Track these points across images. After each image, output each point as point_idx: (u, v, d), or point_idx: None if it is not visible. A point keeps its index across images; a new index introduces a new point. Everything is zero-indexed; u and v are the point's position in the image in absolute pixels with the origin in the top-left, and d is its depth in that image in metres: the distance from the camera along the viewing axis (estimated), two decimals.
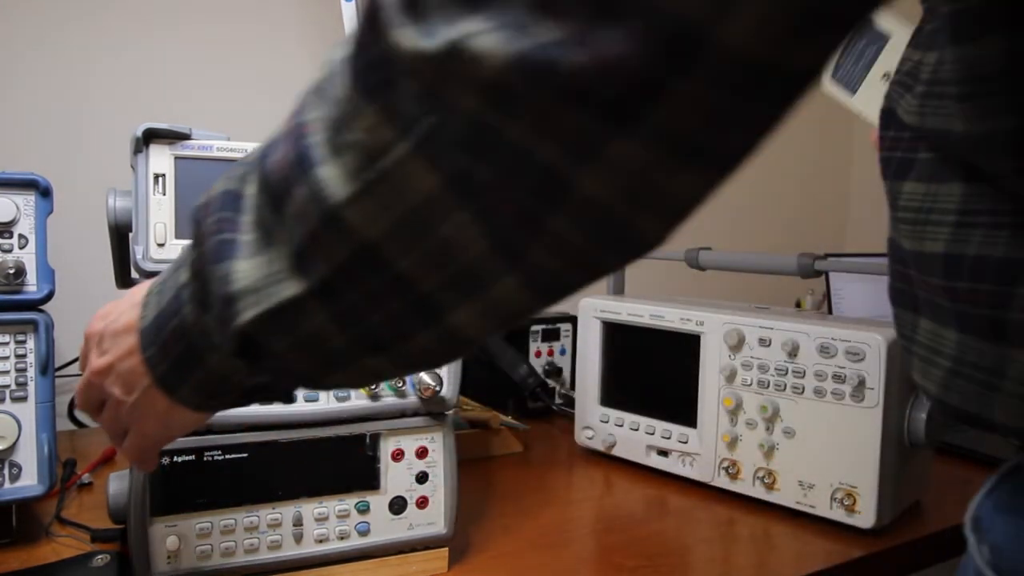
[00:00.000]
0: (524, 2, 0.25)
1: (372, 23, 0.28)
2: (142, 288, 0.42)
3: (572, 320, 1.20)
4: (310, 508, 0.63)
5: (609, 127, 0.25)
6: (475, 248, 0.29)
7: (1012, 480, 0.41)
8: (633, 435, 0.96)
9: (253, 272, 0.33)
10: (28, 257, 0.67)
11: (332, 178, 0.29)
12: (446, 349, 0.33)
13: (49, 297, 0.68)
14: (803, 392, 0.81)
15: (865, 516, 0.77)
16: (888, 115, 0.43)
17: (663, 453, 0.94)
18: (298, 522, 0.63)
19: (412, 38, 0.27)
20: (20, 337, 0.67)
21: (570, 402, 1.12)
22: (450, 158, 0.27)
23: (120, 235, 0.66)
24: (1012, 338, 0.36)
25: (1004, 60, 0.31)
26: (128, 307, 0.42)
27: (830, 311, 1.43)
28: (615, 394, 0.99)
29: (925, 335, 0.42)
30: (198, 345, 0.37)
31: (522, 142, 0.26)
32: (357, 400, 0.64)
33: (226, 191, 0.35)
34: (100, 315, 0.45)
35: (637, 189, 0.27)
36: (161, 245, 0.62)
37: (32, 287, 0.68)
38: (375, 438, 0.66)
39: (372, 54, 0.28)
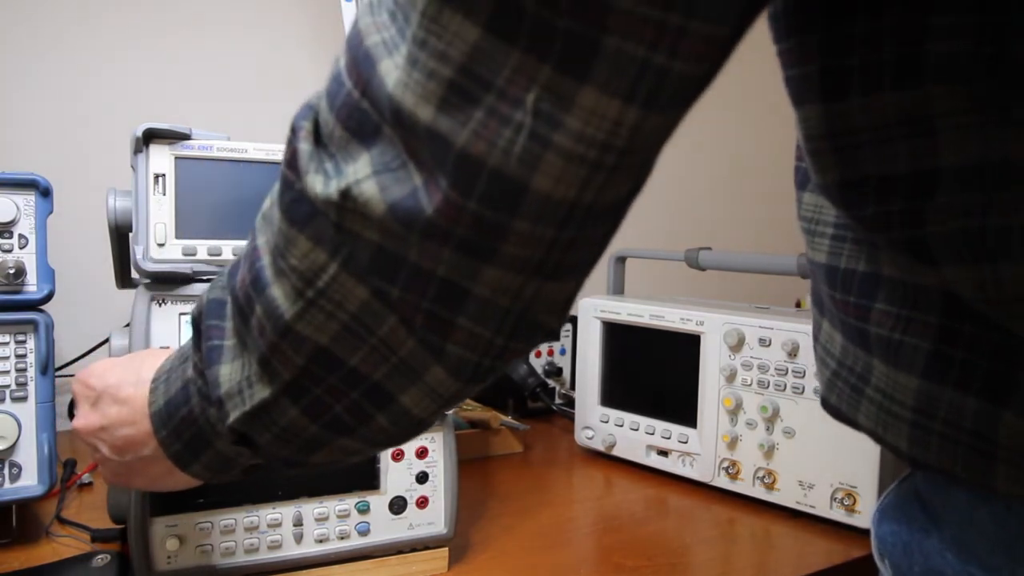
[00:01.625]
0: (398, 145, 0.30)
1: (292, 166, 0.33)
2: (146, 361, 0.47)
3: (572, 320, 1.20)
4: (310, 508, 0.63)
5: (476, 260, 0.31)
6: (407, 345, 0.34)
7: (906, 482, 0.43)
8: (633, 435, 0.96)
9: (233, 376, 0.38)
10: (28, 257, 0.67)
11: (280, 297, 0.34)
12: (401, 429, 0.38)
13: (49, 297, 0.68)
14: (803, 392, 0.81)
15: (865, 516, 0.77)
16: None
17: (663, 453, 0.94)
18: (298, 522, 0.63)
19: (318, 184, 0.32)
20: (20, 337, 0.67)
21: (570, 402, 1.12)
22: (368, 277, 0.32)
23: (120, 235, 0.66)
24: (873, 349, 0.38)
25: (822, 123, 0.34)
26: (135, 380, 0.47)
27: None
28: (615, 394, 0.99)
29: (824, 336, 0.44)
30: (206, 432, 0.41)
31: (419, 266, 0.31)
32: None
33: (213, 299, 0.40)
34: (97, 372, 0.50)
35: (519, 305, 0.33)
36: (161, 245, 0.62)
37: (32, 287, 0.68)
38: None
39: (295, 192, 0.33)
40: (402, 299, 0.32)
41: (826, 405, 0.44)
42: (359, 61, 0.31)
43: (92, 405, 0.50)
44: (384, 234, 0.31)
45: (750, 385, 0.85)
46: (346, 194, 0.31)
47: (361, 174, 0.31)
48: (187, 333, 0.60)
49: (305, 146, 0.33)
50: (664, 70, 0.27)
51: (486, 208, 0.29)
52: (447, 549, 0.69)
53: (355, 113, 0.31)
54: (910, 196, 0.32)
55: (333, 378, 0.35)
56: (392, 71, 0.29)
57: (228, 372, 0.39)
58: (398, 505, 0.66)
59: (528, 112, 0.28)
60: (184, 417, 0.42)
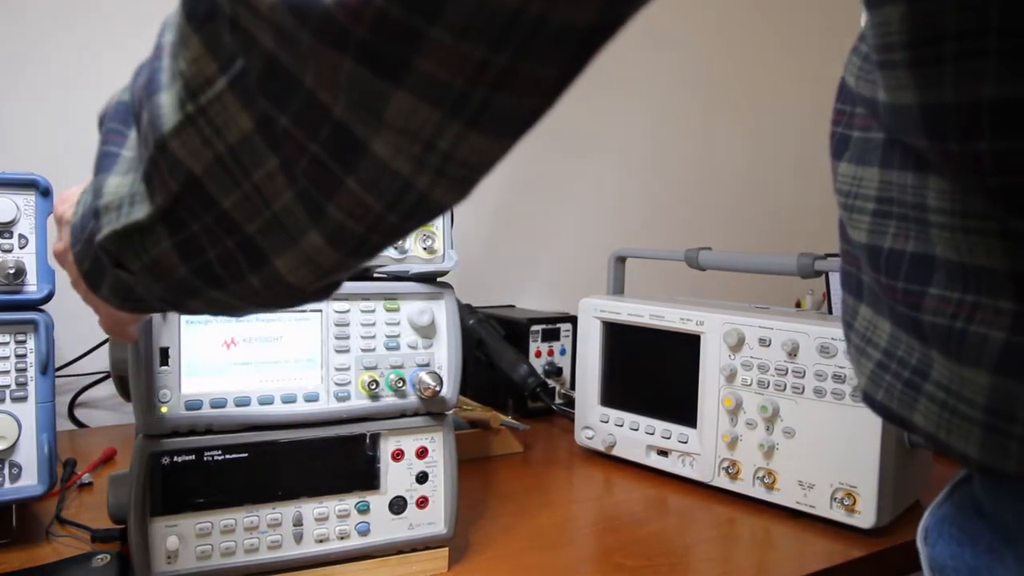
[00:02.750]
0: None
1: None
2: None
3: (572, 320, 1.20)
4: (310, 508, 0.63)
5: (381, 78, 0.25)
6: (284, 197, 0.29)
7: (959, 492, 0.39)
8: (633, 435, 0.96)
9: (119, 189, 0.33)
10: (28, 257, 0.67)
11: (166, 105, 0.29)
12: (275, 294, 0.33)
13: (49, 297, 0.68)
14: (803, 392, 0.81)
15: (865, 516, 0.77)
16: (841, 83, 0.40)
17: (663, 453, 0.94)
18: (298, 522, 0.63)
19: None
20: (20, 337, 0.67)
21: (570, 402, 1.12)
22: (257, 100, 0.27)
23: None
24: (931, 340, 0.33)
25: (907, 28, 0.28)
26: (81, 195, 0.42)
27: (830, 311, 1.43)
28: (615, 394, 0.99)
29: (862, 323, 0.39)
30: (99, 253, 0.37)
31: (315, 92, 0.26)
32: (357, 400, 0.64)
33: (120, 101, 0.35)
34: (63, 197, 0.46)
35: (425, 154, 0.26)
36: None
37: (32, 287, 0.68)
38: (375, 438, 0.66)
39: None
40: (288, 133, 0.27)
41: (871, 402, 0.39)
42: None
43: (59, 227, 0.45)
44: (279, 39, 0.25)
45: (750, 385, 0.85)
46: None
47: None
48: (187, 333, 0.60)
49: None
50: None
51: (396, 4, 0.23)
52: (447, 549, 0.69)
53: None
54: (997, 133, 0.26)
55: (207, 217, 0.31)
56: None
57: (115, 184, 0.34)
58: (398, 505, 0.66)
59: None
60: (91, 231, 0.36)
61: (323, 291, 0.35)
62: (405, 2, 0.23)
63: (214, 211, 0.30)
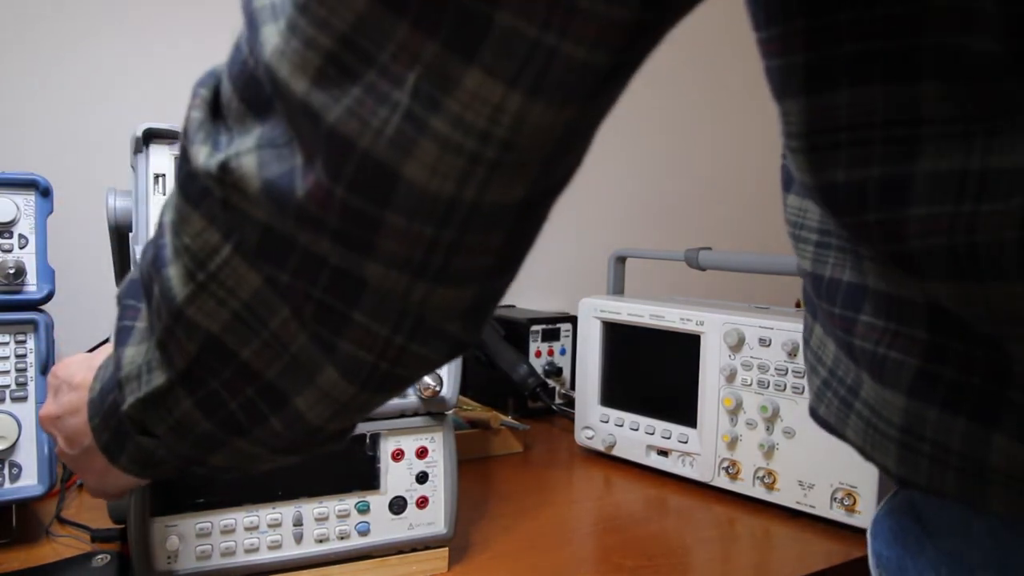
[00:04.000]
0: (284, 119, 0.28)
1: (185, 135, 0.31)
2: (102, 352, 0.44)
3: (572, 320, 1.20)
4: (310, 508, 0.63)
5: (356, 253, 0.28)
6: (298, 340, 0.32)
7: (901, 492, 0.42)
8: (633, 435, 0.96)
9: (136, 359, 0.37)
10: (28, 257, 0.67)
11: (175, 278, 0.33)
12: (297, 435, 0.36)
13: (49, 297, 0.68)
14: (803, 392, 0.81)
15: (865, 516, 0.77)
16: None
17: (663, 453, 0.94)
18: (298, 522, 0.63)
19: (202, 155, 0.30)
20: (20, 337, 0.67)
21: (570, 402, 1.12)
22: (260, 261, 0.30)
23: (120, 235, 0.66)
24: (861, 363, 0.36)
25: (805, 120, 0.32)
26: (87, 367, 0.44)
27: None
28: (615, 394, 0.99)
29: (816, 341, 0.42)
30: (124, 422, 0.39)
31: (309, 251, 0.29)
32: None
33: (133, 279, 0.38)
34: (65, 363, 0.49)
35: (412, 307, 0.30)
36: None
37: (32, 287, 0.68)
38: (375, 438, 0.66)
39: (185, 166, 0.31)
40: (292, 287, 0.30)
41: (814, 415, 0.43)
42: (249, 25, 0.29)
43: (54, 394, 0.48)
44: (269, 214, 0.29)
45: (750, 385, 0.85)
46: (224, 167, 0.29)
47: (244, 147, 0.29)
48: None
49: (196, 114, 0.31)
50: (552, 51, 0.25)
51: (355, 195, 0.27)
52: (447, 549, 0.69)
53: (251, 83, 0.29)
54: (883, 205, 0.30)
55: (227, 372, 0.33)
56: (272, 38, 0.27)
57: (132, 355, 0.37)
58: (398, 505, 0.66)
59: (407, 92, 0.25)
60: (110, 404, 0.39)
61: (339, 434, 0.38)
62: (361, 193, 0.27)
63: (234, 363, 0.33)
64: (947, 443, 0.32)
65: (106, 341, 0.98)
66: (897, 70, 0.28)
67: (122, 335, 0.38)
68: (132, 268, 0.39)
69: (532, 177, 0.28)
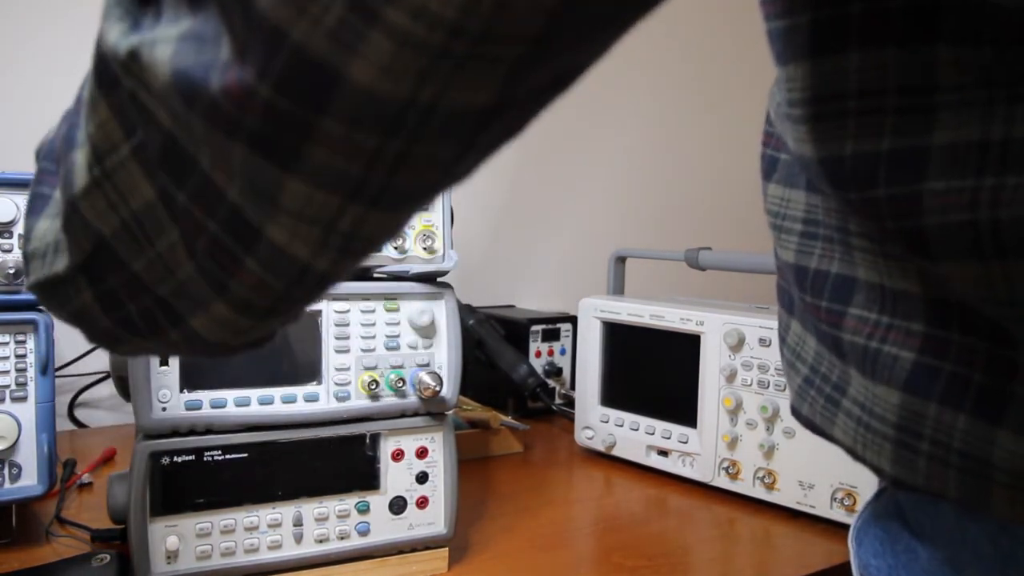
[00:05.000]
0: (217, 9, 0.23)
1: (104, 5, 0.27)
2: None
3: (572, 320, 1.20)
4: (310, 508, 0.63)
5: (274, 165, 0.24)
6: (185, 269, 0.29)
7: (885, 495, 0.40)
8: (633, 435, 0.96)
9: (46, 235, 0.33)
10: None
11: (78, 164, 0.29)
12: (199, 347, 0.33)
13: None
14: None
15: None
16: (768, 110, 0.42)
17: (663, 453, 0.94)
18: (298, 522, 0.63)
19: (113, 33, 0.26)
20: (20, 337, 0.67)
21: (570, 402, 1.12)
22: (157, 173, 0.27)
23: None
24: (849, 359, 0.34)
25: (811, 85, 0.29)
26: None
27: None
28: (615, 394, 0.99)
29: (793, 338, 0.40)
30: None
31: (211, 174, 0.25)
32: (357, 400, 0.64)
33: (52, 140, 0.34)
34: None
35: (326, 237, 0.26)
36: None
37: None
38: (375, 438, 0.66)
39: (97, 45, 0.27)
40: (187, 211, 0.27)
41: (797, 415, 0.41)
42: None
43: None
44: (174, 119, 0.25)
45: (750, 385, 0.85)
46: (134, 54, 0.25)
47: (163, 36, 0.25)
48: None
49: None
50: None
51: (283, 95, 0.22)
52: (447, 549, 0.69)
53: None
54: (895, 179, 0.28)
55: (122, 276, 0.31)
56: None
57: (43, 229, 0.34)
58: (398, 505, 0.66)
59: None
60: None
61: (252, 344, 0.34)
62: (291, 94, 0.22)
63: (125, 271, 0.30)
64: (947, 441, 0.31)
65: None
66: (912, 31, 0.26)
67: (37, 203, 0.35)
68: (56, 126, 0.36)
69: (503, 77, 0.23)
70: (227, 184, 0.25)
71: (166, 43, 0.24)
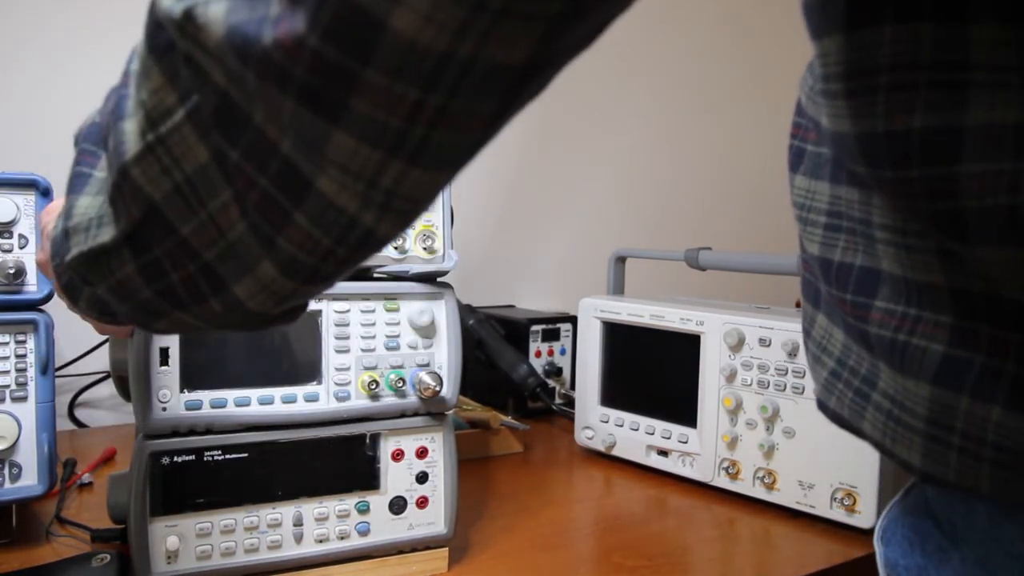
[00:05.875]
0: None
1: None
2: None
3: (572, 320, 1.20)
4: (310, 508, 0.63)
5: (322, 119, 0.25)
6: (237, 228, 0.30)
7: (913, 493, 0.40)
8: (633, 435, 0.96)
9: (88, 211, 0.34)
10: (28, 257, 0.67)
11: (129, 132, 0.30)
12: (237, 318, 0.34)
13: (49, 297, 0.68)
14: (803, 392, 0.81)
15: (865, 516, 0.77)
16: (799, 99, 0.41)
17: (663, 453, 0.94)
18: (298, 522, 0.63)
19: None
20: (20, 337, 0.67)
21: (570, 402, 1.12)
22: (211, 134, 0.28)
23: None
24: (876, 352, 0.34)
25: (845, 59, 0.29)
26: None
27: None
28: (615, 394, 0.99)
29: (819, 331, 0.40)
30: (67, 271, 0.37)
31: (263, 129, 0.26)
32: (357, 400, 0.64)
33: (94, 123, 0.35)
34: (49, 209, 0.46)
35: (369, 191, 0.27)
36: None
37: (32, 287, 0.68)
38: (375, 438, 0.66)
39: (150, 11, 0.28)
40: (239, 168, 0.28)
41: (824, 409, 0.40)
42: None
43: (43, 238, 0.46)
44: (228, 76, 0.26)
45: (750, 385, 0.85)
46: (189, 14, 0.26)
47: None
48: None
49: None
50: None
51: (330, 45, 0.24)
52: (447, 549, 0.69)
53: None
54: (929, 160, 0.27)
55: (168, 243, 0.31)
56: None
57: (85, 205, 0.35)
58: (398, 505, 0.66)
59: None
60: (64, 250, 0.37)
61: (287, 315, 0.35)
62: (337, 44, 0.24)
63: (174, 237, 0.31)
64: (980, 434, 0.30)
65: (105, 341, 0.98)
66: (948, 5, 0.25)
67: (77, 182, 0.35)
68: (95, 112, 0.37)
69: (540, 34, 0.24)
70: (279, 137, 0.26)
71: (219, 1, 0.25)
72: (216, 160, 0.28)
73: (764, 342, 0.84)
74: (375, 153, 0.26)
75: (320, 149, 0.26)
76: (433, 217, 0.68)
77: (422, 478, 0.67)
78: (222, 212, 0.29)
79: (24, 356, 0.67)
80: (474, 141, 0.27)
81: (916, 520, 0.38)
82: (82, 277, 0.36)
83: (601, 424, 0.99)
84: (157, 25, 0.28)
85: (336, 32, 0.23)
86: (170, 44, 0.28)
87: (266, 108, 0.26)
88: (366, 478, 0.65)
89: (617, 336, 0.99)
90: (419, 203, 0.29)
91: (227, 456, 0.60)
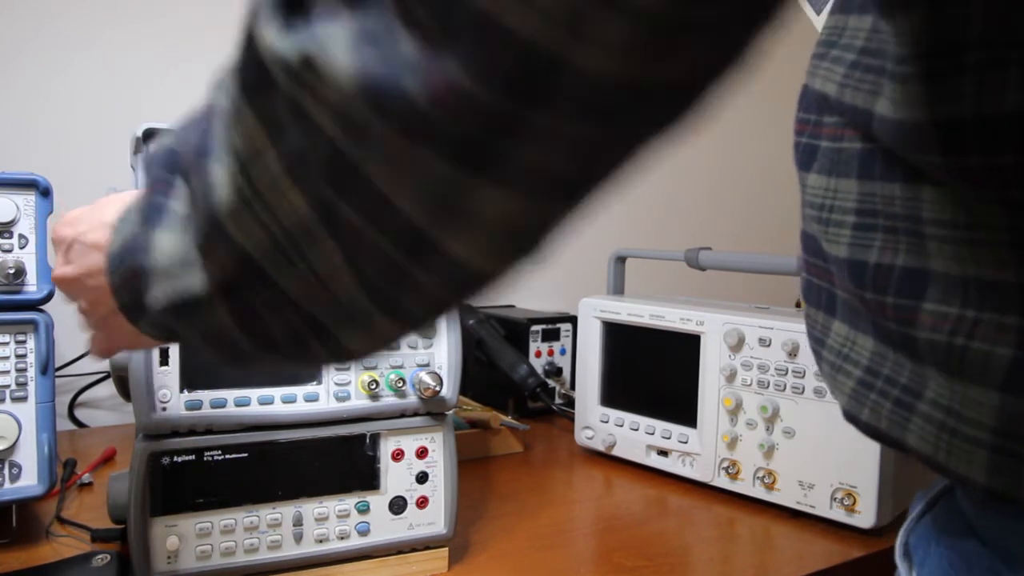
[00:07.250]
0: (389, 8, 0.22)
1: (250, 11, 0.25)
2: (111, 205, 0.41)
3: (572, 320, 1.20)
4: (310, 508, 0.63)
5: (468, 173, 0.23)
6: (345, 286, 0.27)
7: (943, 506, 0.37)
8: (633, 435, 0.96)
9: (172, 252, 0.32)
10: (28, 257, 0.67)
11: (219, 178, 0.28)
12: (337, 359, 0.33)
13: (49, 297, 0.68)
14: (803, 392, 0.81)
15: (865, 516, 0.77)
16: (804, 90, 0.39)
17: (663, 453, 0.94)
18: (298, 522, 0.63)
19: (272, 35, 0.24)
20: (20, 337, 0.67)
21: (570, 402, 1.12)
22: (315, 184, 0.25)
23: None
24: (926, 358, 0.31)
25: (927, 38, 0.27)
26: (99, 224, 0.40)
27: None
28: (615, 394, 0.99)
29: (837, 339, 0.37)
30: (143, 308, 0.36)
31: (382, 186, 0.24)
32: (357, 400, 0.64)
33: (170, 150, 0.33)
34: (68, 220, 0.44)
35: (507, 242, 0.25)
36: None
37: (32, 287, 0.68)
38: (375, 438, 0.66)
39: (247, 48, 0.26)
40: (350, 224, 0.25)
41: (854, 421, 0.37)
42: None
43: (65, 253, 0.44)
44: (346, 127, 0.23)
45: (750, 385, 0.85)
46: (309, 61, 0.23)
47: (333, 37, 0.22)
48: None
49: None
50: None
51: (500, 94, 0.21)
52: (447, 549, 0.69)
53: None
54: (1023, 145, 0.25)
55: (266, 294, 0.29)
56: None
57: (168, 245, 0.32)
58: (398, 505, 0.66)
59: None
60: (132, 266, 0.35)
61: (375, 351, 0.34)
62: (511, 92, 0.21)
63: (273, 290, 0.29)
64: None
65: None
66: None
67: (154, 213, 0.33)
68: (175, 130, 0.33)
69: (727, 39, 0.23)
70: (402, 195, 0.24)
71: (339, 45, 0.22)
72: (319, 214, 0.26)
73: (764, 342, 0.84)
74: (530, 205, 0.23)
75: (457, 207, 0.23)
76: None
77: (422, 478, 0.67)
78: (327, 268, 0.27)
79: (24, 356, 0.67)
80: (622, 172, 0.25)
81: (955, 540, 0.35)
82: (171, 322, 0.34)
83: (601, 424, 0.99)
84: (259, 66, 0.25)
85: (511, 78, 0.20)
86: (271, 86, 0.25)
87: (395, 163, 0.23)
88: (366, 478, 0.65)
89: (617, 336, 0.99)
90: (547, 242, 0.26)
91: (227, 456, 0.60)
